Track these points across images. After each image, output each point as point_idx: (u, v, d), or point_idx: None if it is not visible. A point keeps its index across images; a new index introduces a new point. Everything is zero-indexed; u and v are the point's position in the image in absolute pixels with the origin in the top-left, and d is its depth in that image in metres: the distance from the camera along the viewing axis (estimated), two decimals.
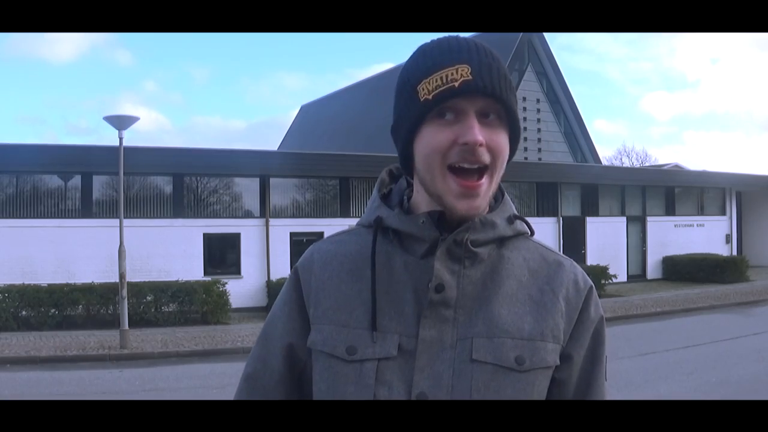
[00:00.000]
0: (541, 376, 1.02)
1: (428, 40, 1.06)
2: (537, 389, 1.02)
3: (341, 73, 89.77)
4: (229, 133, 79.93)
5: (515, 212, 1.09)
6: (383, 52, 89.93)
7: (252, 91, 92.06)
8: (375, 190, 1.15)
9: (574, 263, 1.13)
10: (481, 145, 0.97)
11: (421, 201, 1.06)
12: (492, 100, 0.99)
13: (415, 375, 0.99)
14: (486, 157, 0.99)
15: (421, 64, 1.02)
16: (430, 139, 1.00)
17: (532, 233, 1.12)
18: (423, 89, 0.99)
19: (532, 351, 1.01)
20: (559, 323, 1.04)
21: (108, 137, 68.65)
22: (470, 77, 0.97)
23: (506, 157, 1.02)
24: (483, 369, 0.99)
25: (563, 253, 1.16)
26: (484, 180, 1.00)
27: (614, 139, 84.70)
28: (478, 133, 0.97)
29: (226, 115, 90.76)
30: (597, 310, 1.09)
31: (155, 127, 73.68)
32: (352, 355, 1.01)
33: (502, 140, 1.01)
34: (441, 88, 0.98)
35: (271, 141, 78.84)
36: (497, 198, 1.10)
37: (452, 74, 0.98)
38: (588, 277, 1.12)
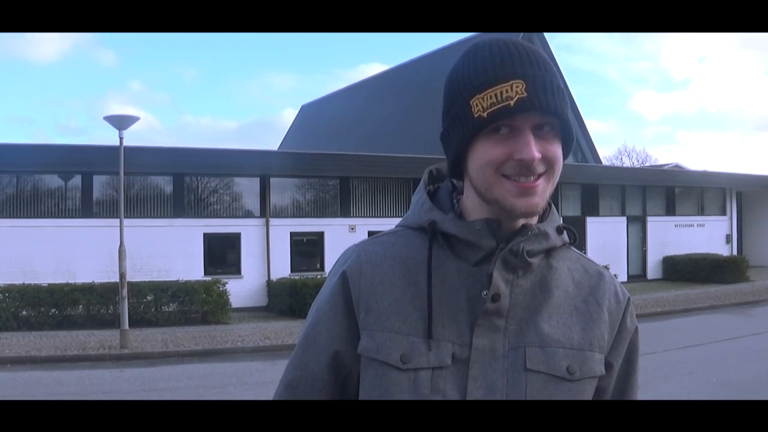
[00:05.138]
0: (589, 385, 1.04)
1: (482, 40, 1.04)
2: (586, 398, 1.04)
3: (329, 73, 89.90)
4: (220, 133, 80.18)
5: (560, 222, 1.10)
6: (373, 53, 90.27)
7: (241, 91, 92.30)
8: (421, 191, 1.13)
9: (612, 274, 1.14)
10: (537, 161, 0.97)
11: (472, 206, 1.05)
12: (548, 115, 0.98)
13: (469, 384, 0.99)
14: (541, 168, 0.99)
15: (473, 75, 1.00)
16: (485, 153, 0.99)
17: (575, 243, 1.12)
18: (477, 105, 0.98)
19: (582, 361, 1.03)
20: (604, 333, 1.06)
21: (100, 137, 68.45)
22: (525, 94, 0.96)
23: (561, 164, 1.02)
24: (537, 378, 1.00)
25: None
26: (541, 181, 1.00)
27: (607, 138, 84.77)
28: (534, 151, 0.96)
29: (216, 115, 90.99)
30: (633, 321, 1.12)
31: (145, 127, 74.01)
32: (407, 364, 0.99)
33: (557, 150, 1.01)
34: (496, 107, 0.97)
35: (263, 141, 79.25)
36: (545, 209, 1.09)
37: (507, 91, 0.96)
38: (625, 289, 1.14)
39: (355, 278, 1.06)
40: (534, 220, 1.05)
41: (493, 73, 0.98)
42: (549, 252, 1.07)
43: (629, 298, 1.13)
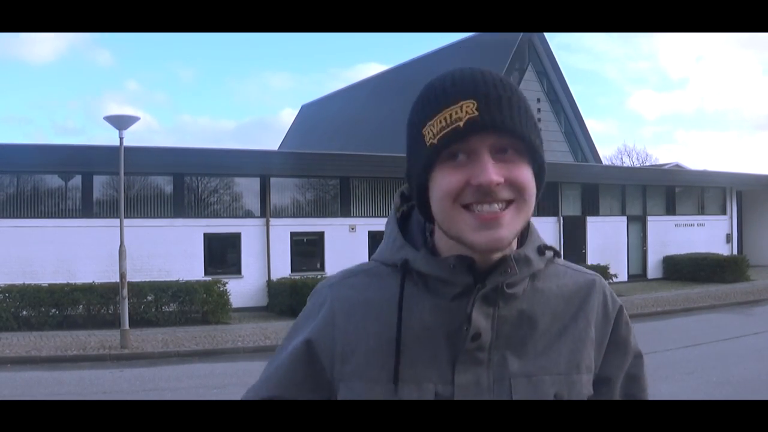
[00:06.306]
0: None
1: (435, 77, 0.98)
2: None
3: (327, 73, 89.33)
4: (218, 133, 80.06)
5: (542, 241, 1.04)
6: (370, 52, 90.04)
7: (239, 91, 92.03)
8: (392, 223, 1.07)
9: (602, 280, 1.10)
10: (497, 184, 0.89)
11: (445, 240, 0.99)
12: (505, 135, 0.90)
13: None
14: (506, 194, 0.91)
15: (424, 104, 0.95)
16: (441, 183, 0.92)
17: (559, 256, 1.07)
18: (428, 132, 0.92)
19: (570, 386, 1.00)
20: (591, 353, 1.04)
21: (98, 137, 68.35)
22: (475, 113, 0.89)
23: (532, 192, 0.93)
24: None
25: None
26: (508, 211, 0.91)
27: (605, 138, 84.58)
28: (492, 173, 0.89)
29: (214, 115, 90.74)
30: (627, 329, 1.09)
31: (143, 127, 73.65)
32: None
33: (524, 174, 0.92)
34: (445, 130, 0.90)
35: (261, 141, 79.18)
36: (523, 229, 1.02)
37: (456, 113, 0.90)
38: (616, 297, 1.10)
39: (325, 341, 1.02)
40: (513, 247, 0.98)
41: (443, 97, 0.92)
42: (534, 274, 1.02)
43: (620, 308, 1.09)
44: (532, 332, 1.00)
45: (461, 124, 0.89)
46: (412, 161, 0.99)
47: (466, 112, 0.89)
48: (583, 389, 1.02)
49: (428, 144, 0.92)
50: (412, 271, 0.99)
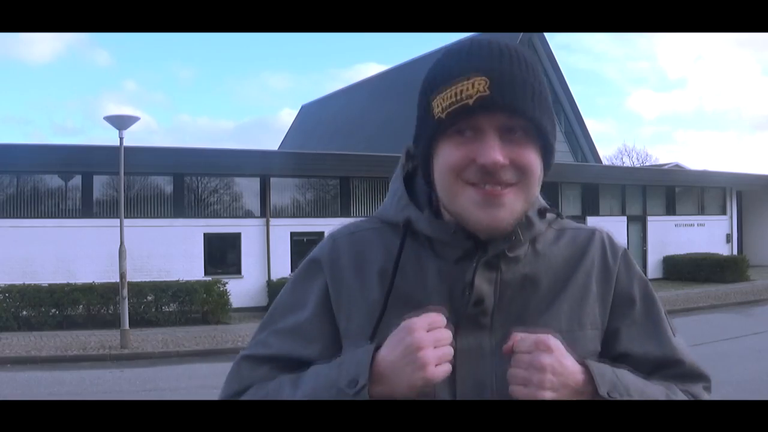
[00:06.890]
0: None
1: (454, 41, 0.97)
2: None
3: (325, 73, 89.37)
4: (218, 133, 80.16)
5: (543, 203, 1.03)
6: (369, 52, 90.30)
7: (238, 91, 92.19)
8: (398, 179, 1.06)
9: (602, 232, 1.08)
10: (501, 165, 0.89)
11: None
12: (515, 116, 0.89)
13: (458, 386, 0.96)
14: (510, 176, 0.90)
15: (437, 72, 0.93)
16: (446, 158, 0.92)
17: (561, 218, 1.06)
18: (437, 105, 0.91)
19: (573, 343, 0.98)
20: (595, 308, 1.03)
21: (97, 137, 68.39)
22: (486, 92, 0.87)
23: (537, 174, 0.94)
24: None
25: None
26: (510, 192, 0.91)
27: (605, 138, 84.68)
28: (496, 154, 0.88)
29: (213, 115, 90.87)
30: (632, 274, 1.06)
31: (141, 127, 73.70)
32: None
33: (530, 157, 0.92)
34: (454, 106, 0.89)
35: (261, 141, 79.42)
36: None
37: (467, 89, 0.88)
38: (617, 244, 1.08)
39: (335, 297, 1.02)
40: (510, 225, 0.96)
41: (455, 69, 0.91)
42: (535, 237, 1.02)
43: (622, 254, 1.07)
44: (535, 295, 1.00)
45: (471, 102, 0.88)
46: (419, 129, 0.97)
47: (477, 89, 0.88)
48: (588, 345, 1.01)
49: (436, 117, 0.91)
50: (417, 231, 0.99)
